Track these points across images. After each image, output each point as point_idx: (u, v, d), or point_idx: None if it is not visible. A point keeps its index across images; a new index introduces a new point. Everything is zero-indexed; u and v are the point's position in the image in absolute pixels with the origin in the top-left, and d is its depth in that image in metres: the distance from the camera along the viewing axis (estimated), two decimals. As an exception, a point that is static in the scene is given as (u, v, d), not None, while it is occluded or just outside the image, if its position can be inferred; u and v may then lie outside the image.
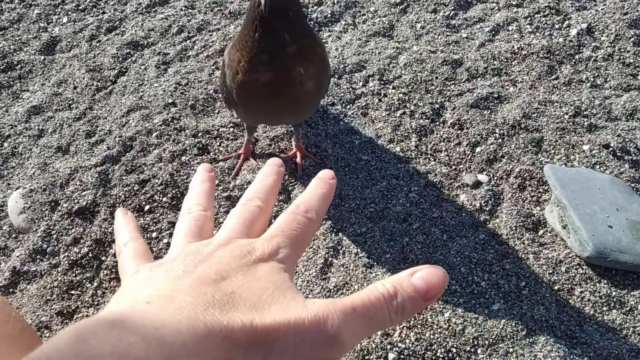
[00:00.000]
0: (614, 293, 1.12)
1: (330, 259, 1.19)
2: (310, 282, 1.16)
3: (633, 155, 1.33)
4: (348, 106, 1.49)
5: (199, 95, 1.52)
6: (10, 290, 1.20)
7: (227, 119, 1.45)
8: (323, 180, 0.51)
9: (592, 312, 1.09)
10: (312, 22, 1.74)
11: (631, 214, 1.16)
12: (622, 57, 1.55)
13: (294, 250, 0.44)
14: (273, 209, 0.53)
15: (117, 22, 1.83)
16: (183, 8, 1.82)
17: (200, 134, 1.41)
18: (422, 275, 0.41)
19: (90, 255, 1.24)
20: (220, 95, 1.52)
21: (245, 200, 0.50)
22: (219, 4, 1.82)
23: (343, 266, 1.18)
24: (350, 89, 1.52)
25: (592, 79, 1.51)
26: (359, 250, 1.19)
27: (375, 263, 1.17)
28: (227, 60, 1.11)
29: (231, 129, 1.43)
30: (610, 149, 1.33)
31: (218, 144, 1.40)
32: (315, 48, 1.05)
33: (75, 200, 1.31)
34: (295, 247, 0.44)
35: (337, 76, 1.56)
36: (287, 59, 1.00)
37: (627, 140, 1.35)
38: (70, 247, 1.25)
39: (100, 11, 1.90)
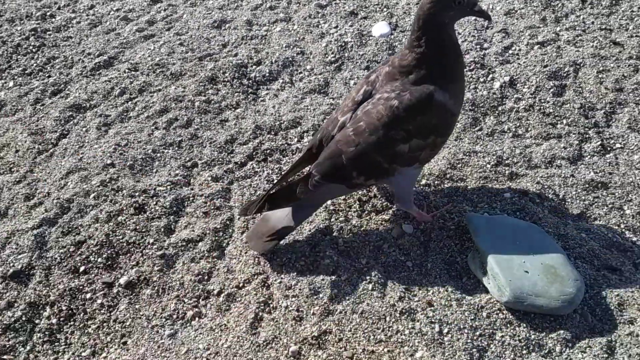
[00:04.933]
0: (532, 336, 1.16)
1: (260, 313, 1.22)
2: (240, 338, 1.18)
3: (552, 201, 1.40)
4: (283, 160, 1.54)
5: (137, 155, 1.56)
6: (-60, 358, 1.20)
7: (165, 178, 1.49)
8: None
9: (512, 356, 1.13)
10: (250, 81, 1.81)
11: (546, 259, 1.22)
12: (542, 107, 1.64)
13: None
14: None
15: (62, 85, 1.88)
16: (126, 70, 1.87)
17: (137, 194, 1.44)
18: None
19: (23, 318, 1.24)
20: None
21: None
22: (161, 66, 1.88)
23: (273, 320, 1.21)
24: (285, 145, 1.58)
25: (513, 129, 1.59)
26: (289, 303, 1.22)
27: (304, 316, 1.20)
28: None
29: (169, 187, 1.47)
30: (529, 196, 1.40)
31: (155, 202, 1.43)
32: None
33: (11, 264, 1.33)
34: None
35: (273, 133, 1.62)
36: None
37: (545, 187, 1.42)
38: (3, 312, 1.25)
39: (47, 75, 1.94)
